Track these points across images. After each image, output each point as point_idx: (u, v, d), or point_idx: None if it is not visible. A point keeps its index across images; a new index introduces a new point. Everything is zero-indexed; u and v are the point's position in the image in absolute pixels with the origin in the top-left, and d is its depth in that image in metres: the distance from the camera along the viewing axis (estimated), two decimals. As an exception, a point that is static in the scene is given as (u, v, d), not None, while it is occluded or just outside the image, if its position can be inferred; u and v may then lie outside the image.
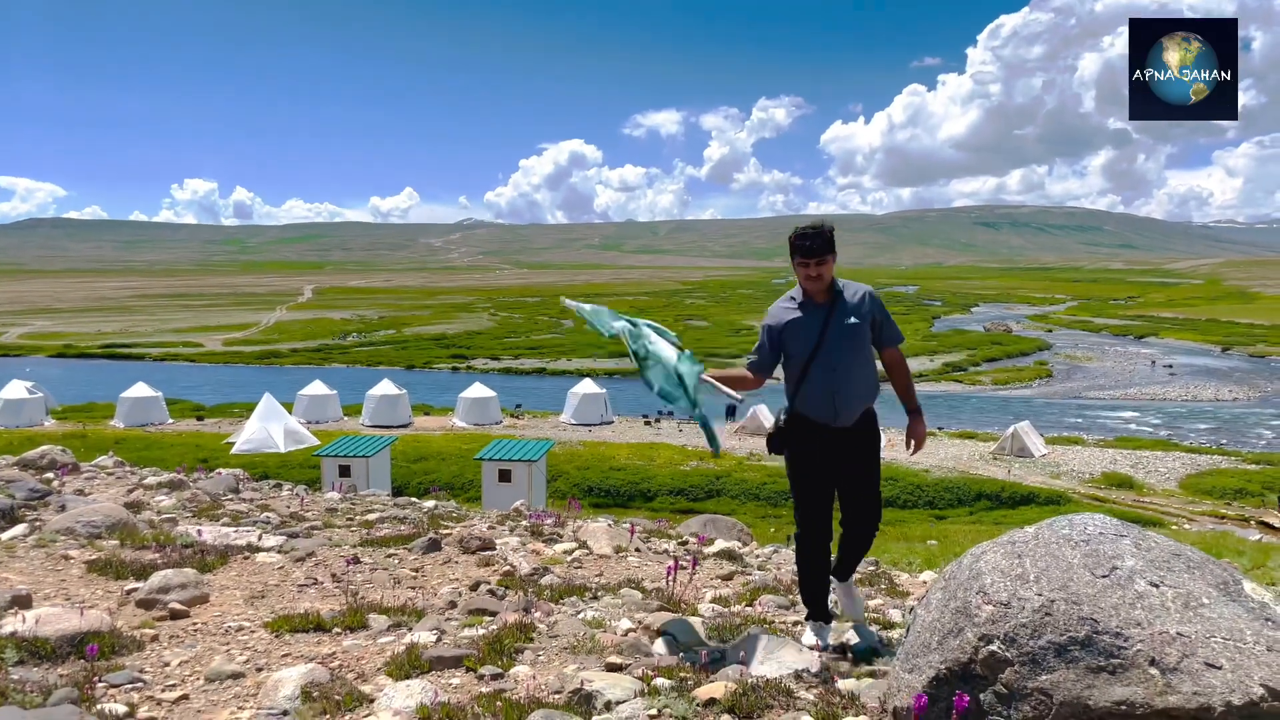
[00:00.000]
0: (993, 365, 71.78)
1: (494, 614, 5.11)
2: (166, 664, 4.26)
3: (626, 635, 4.66)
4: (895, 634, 4.81)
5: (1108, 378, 65.53)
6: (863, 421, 4.46)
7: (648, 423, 46.02)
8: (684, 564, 6.29)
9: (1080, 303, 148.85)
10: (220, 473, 13.31)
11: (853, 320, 4.38)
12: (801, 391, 4.45)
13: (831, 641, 4.54)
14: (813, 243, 4.34)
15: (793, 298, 4.55)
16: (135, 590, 5.48)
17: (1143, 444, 39.58)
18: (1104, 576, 2.96)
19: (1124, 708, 2.69)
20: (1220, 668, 2.68)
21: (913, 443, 4.53)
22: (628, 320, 4.97)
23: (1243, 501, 29.53)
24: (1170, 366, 70.41)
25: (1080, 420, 48.39)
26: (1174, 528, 25.56)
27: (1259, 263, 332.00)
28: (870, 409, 4.51)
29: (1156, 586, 2.92)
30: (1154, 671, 2.70)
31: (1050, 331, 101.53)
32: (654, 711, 3.44)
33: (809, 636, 4.51)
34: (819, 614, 4.64)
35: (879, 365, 4.56)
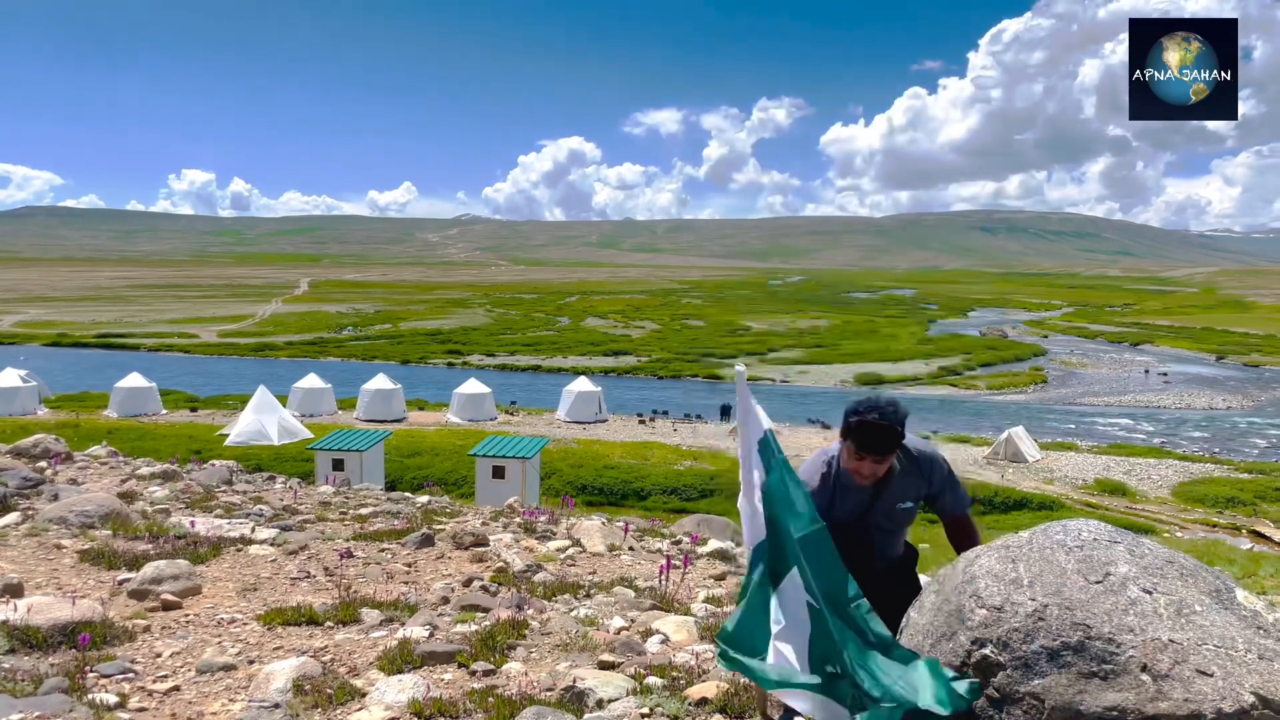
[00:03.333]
0: (988, 370, 71.89)
1: (487, 610, 5.11)
2: (158, 655, 4.26)
3: (619, 633, 4.67)
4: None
5: (1102, 384, 65.65)
6: (900, 559, 3.79)
7: (642, 421, 46.02)
8: (677, 563, 6.29)
9: (1076, 309, 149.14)
10: (214, 464, 13.31)
11: (905, 505, 3.55)
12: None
13: None
14: (878, 439, 3.30)
15: (829, 465, 3.55)
16: (127, 580, 5.47)
17: (1136, 451, 39.66)
18: (1097, 582, 2.97)
19: (1115, 713, 2.69)
20: (1212, 675, 2.69)
21: None
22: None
23: (1235, 510, 29.59)
24: (1165, 374, 70.56)
25: (1074, 426, 48.47)
26: (1166, 535, 25.62)
27: (1255, 272, 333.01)
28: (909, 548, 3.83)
29: (1149, 593, 2.93)
30: (1146, 678, 2.70)
31: (1046, 337, 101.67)
32: (646, 710, 3.44)
33: None
34: None
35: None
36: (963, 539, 3.60)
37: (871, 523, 3.56)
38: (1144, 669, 2.72)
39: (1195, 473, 34.85)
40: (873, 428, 3.29)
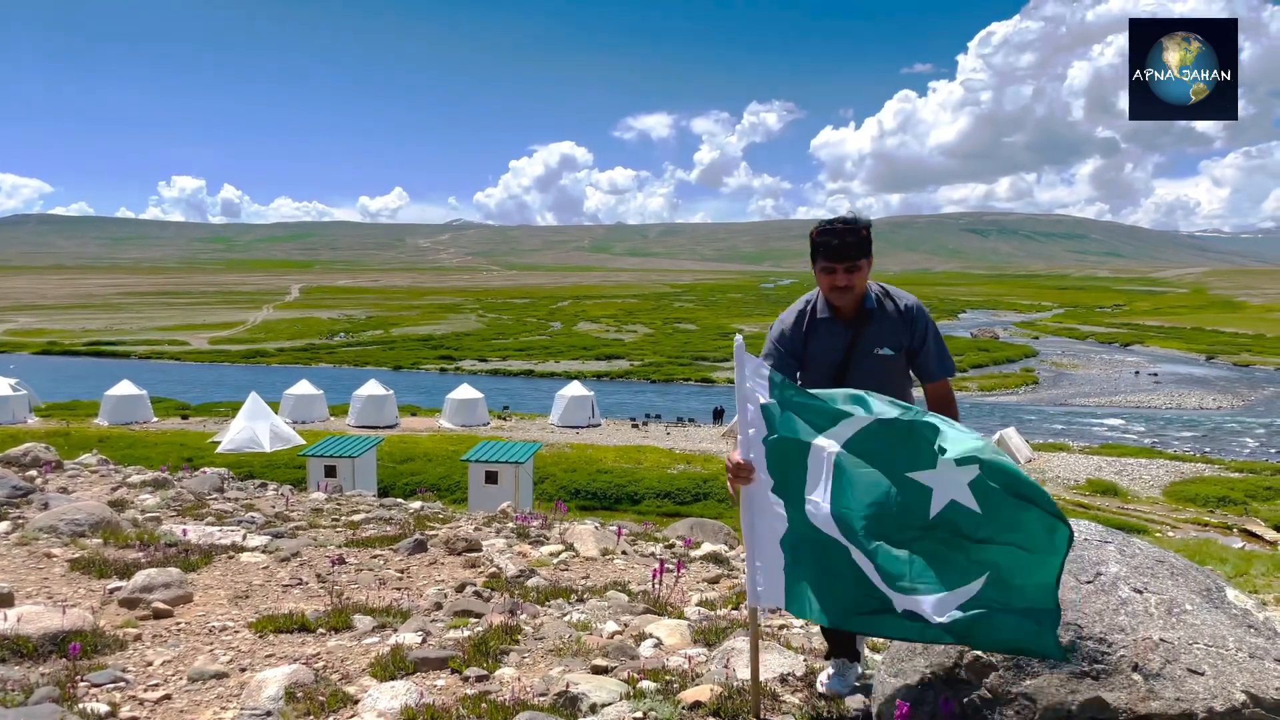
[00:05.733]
0: (979, 371, 72.05)
1: (479, 615, 5.10)
2: (149, 663, 4.24)
3: (613, 638, 4.66)
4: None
5: (1093, 385, 65.84)
6: None
7: (635, 425, 46.00)
8: (670, 567, 6.29)
9: (1067, 310, 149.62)
10: (205, 472, 13.24)
11: (885, 351, 3.41)
12: None
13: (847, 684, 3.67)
14: (842, 241, 3.29)
15: (808, 302, 3.52)
16: (118, 589, 5.45)
17: (1127, 451, 39.77)
18: (1088, 582, 2.97)
19: (1107, 713, 2.70)
20: (1203, 674, 2.70)
21: None
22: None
23: (1226, 509, 29.70)
24: (1155, 374, 70.79)
25: (1066, 427, 48.60)
26: (1158, 535, 25.70)
27: (1244, 272, 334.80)
28: None
29: (1140, 593, 2.94)
30: (1137, 677, 2.71)
31: (1037, 338, 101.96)
32: (639, 714, 3.43)
33: (828, 681, 3.68)
34: (841, 649, 3.72)
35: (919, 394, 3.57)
36: (941, 411, 3.33)
37: (850, 370, 3.42)
38: (1135, 668, 2.73)
39: (1186, 472, 34.96)
40: (834, 231, 3.30)
